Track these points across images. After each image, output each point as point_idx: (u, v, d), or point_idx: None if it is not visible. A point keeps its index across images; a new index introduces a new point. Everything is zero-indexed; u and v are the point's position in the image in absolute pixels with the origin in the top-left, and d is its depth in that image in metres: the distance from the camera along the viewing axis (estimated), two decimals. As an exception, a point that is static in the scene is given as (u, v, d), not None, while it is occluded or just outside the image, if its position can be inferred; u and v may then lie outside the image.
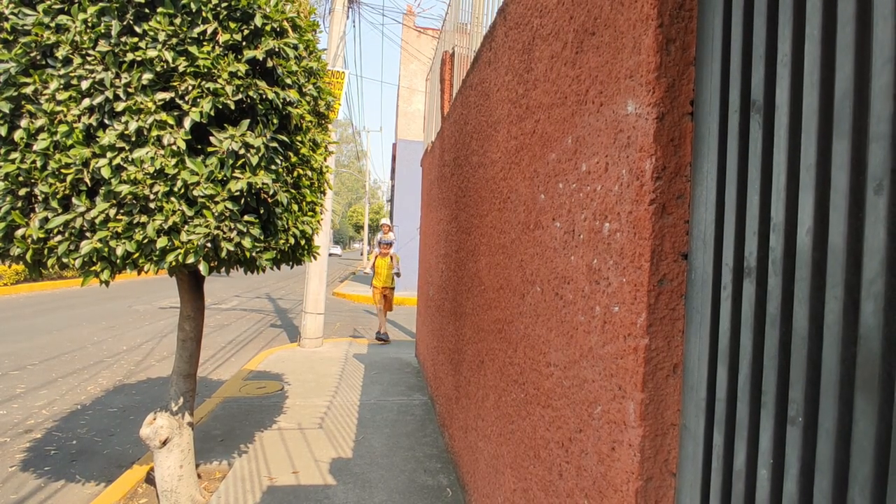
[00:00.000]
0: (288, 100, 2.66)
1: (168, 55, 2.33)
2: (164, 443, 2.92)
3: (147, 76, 2.33)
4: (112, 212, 2.35)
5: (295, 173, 2.99)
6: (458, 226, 3.75)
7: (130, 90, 2.34)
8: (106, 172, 2.29)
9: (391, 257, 8.76)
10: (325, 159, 3.51)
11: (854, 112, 0.72)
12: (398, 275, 8.82)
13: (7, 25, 2.28)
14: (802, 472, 0.77)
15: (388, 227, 8.97)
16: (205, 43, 2.40)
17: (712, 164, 1.02)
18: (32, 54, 2.31)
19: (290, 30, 2.62)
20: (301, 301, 10.89)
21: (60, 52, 2.30)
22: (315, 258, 3.63)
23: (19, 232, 2.38)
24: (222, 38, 2.39)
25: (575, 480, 1.40)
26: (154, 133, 2.34)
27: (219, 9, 2.38)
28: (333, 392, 5.37)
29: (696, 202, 1.07)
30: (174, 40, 2.35)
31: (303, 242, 3.26)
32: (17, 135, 2.32)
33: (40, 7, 2.28)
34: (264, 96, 2.54)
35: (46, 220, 2.36)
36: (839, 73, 0.74)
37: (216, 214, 2.42)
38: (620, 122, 1.22)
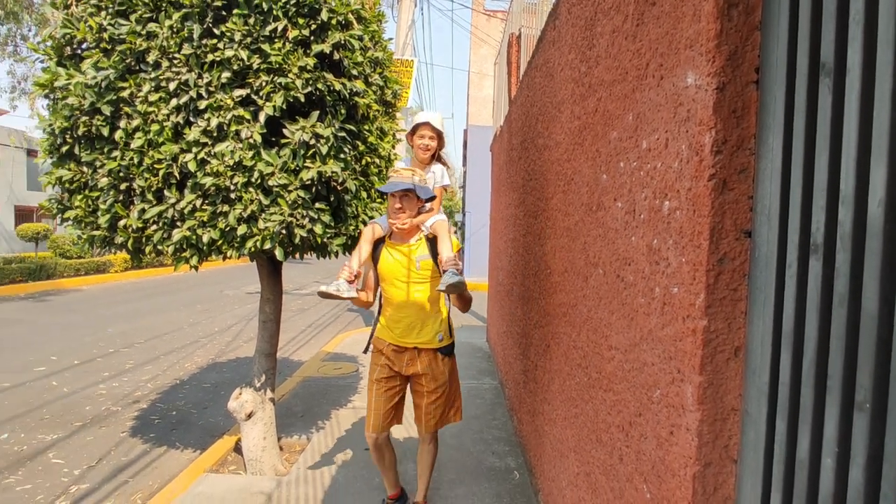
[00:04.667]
0: (354, 90, 2.75)
1: (243, 54, 2.47)
2: (249, 416, 3.15)
3: (226, 75, 2.50)
4: (198, 202, 2.55)
5: (363, 161, 3.08)
6: (525, 209, 3.72)
7: (211, 89, 2.51)
8: (192, 166, 2.48)
9: (428, 238, 2.47)
10: (392, 147, 3.58)
11: (931, 69, 0.65)
12: (456, 289, 2.15)
13: (106, 35, 2.52)
14: (869, 461, 0.72)
15: (432, 133, 2.65)
16: (276, 40, 2.52)
17: (778, 134, 0.96)
18: (128, 61, 2.53)
19: (354, 22, 2.69)
20: (376, 286, 11.22)
21: (151, 57, 2.50)
22: (385, 244, 3.73)
23: (122, 222, 2.63)
24: (292, 34, 2.50)
25: (634, 464, 1.38)
26: (233, 128, 2.51)
27: (288, 6, 2.49)
28: (406, 374, 5.52)
29: (760, 176, 1.01)
30: (248, 39, 2.49)
31: (372, 229, 3.37)
32: (117, 135, 2.56)
33: (132, 17, 2.49)
34: (332, 88, 2.63)
35: (143, 211, 2.59)
36: (915, 28, 0.67)
37: (290, 202, 2.56)
38: (680, 95, 1.17)
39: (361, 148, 2.99)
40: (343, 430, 3.90)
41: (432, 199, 2.48)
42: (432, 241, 2.46)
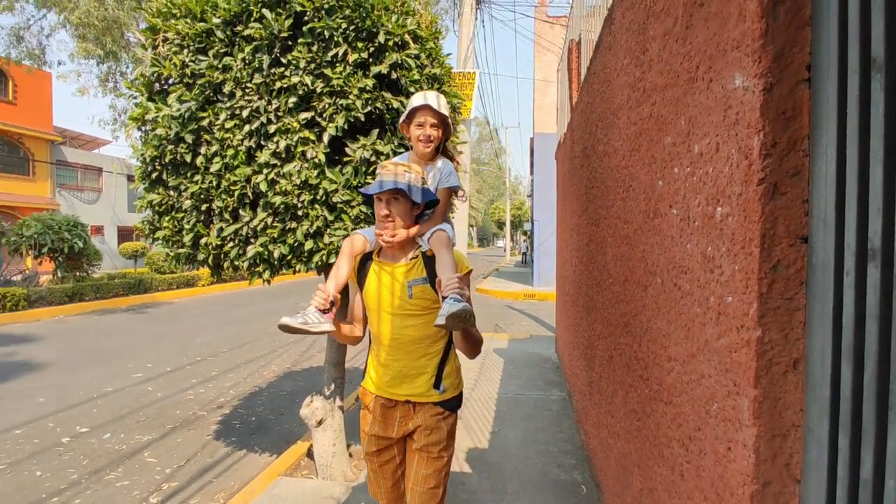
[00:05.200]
0: (412, 107, 2.83)
1: (308, 79, 2.62)
2: (320, 423, 3.29)
3: (292, 100, 2.66)
4: (269, 220, 2.72)
5: (423, 175, 3.16)
6: (588, 218, 3.65)
7: (280, 113, 2.68)
8: (263, 186, 2.65)
9: (428, 256, 1.82)
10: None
11: None
12: (458, 321, 1.48)
13: (188, 71, 2.76)
14: (935, 483, 0.67)
15: (434, 119, 1.96)
16: (337, 64, 2.65)
17: (831, 134, 0.91)
18: (206, 93, 2.75)
19: (411, 41, 2.78)
20: (444, 297, 11.30)
21: (226, 88, 2.71)
22: (447, 255, 3.79)
23: (203, 240, 2.85)
24: (352, 57, 2.63)
25: (695, 481, 1.32)
26: (299, 149, 2.66)
27: (348, 32, 2.62)
28: (472, 385, 5.54)
29: (815, 178, 0.96)
30: (312, 65, 2.64)
31: (434, 241, 3.43)
32: (199, 160, 2.78)
33: (210, 52, 2.71)
34: (390, 106, 2.73)
35: (221, 229, 2.80)
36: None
37: (353, 217, 2.67)
38: (729, 97, 1.13)
39: (421, 162, 3.06)
40: (410, 438, 3.98)
41: (434, 203, 1.89)
42: (432, 261, 1.80)
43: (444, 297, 1.56)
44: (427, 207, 1.87)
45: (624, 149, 2.32)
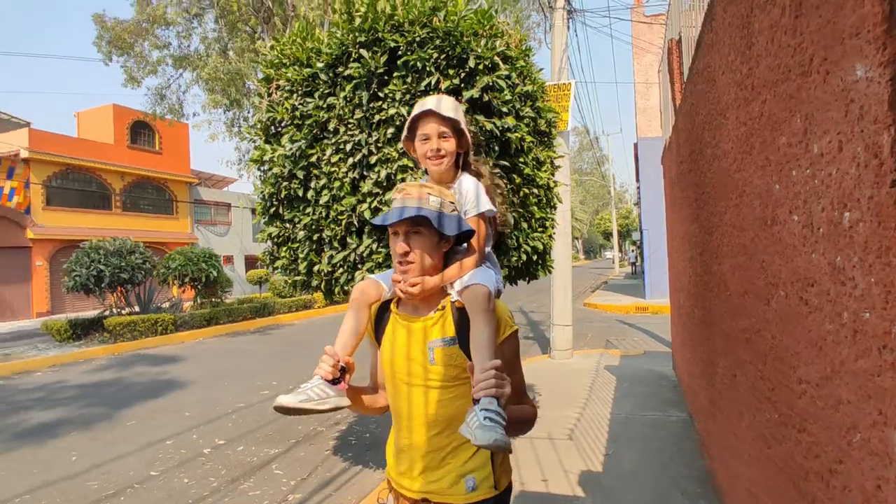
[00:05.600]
0: (505, 127, 2.85)
1: (404, 110, 2.75)
2: (429, 441, 3.35)
3: (390, 130, 2.79)
4: (374, 246, 2.86)
5: (521, 193, 3.16)
6: (700, 226, 3.42)
7: (380, 145, 2.83)
8: (367, 214, 2.80)
9: (458, 308, 1.34)
10: (551, 175, 3.60)
11: None
12: (496, 449, 1.05)
13: (297, 113, 3.01)
14: None
15: (442, 127, 1.45)
16: (431, 92, 2.75)
17: (983, 123, 0.78)
18: (314, 131, 2.98)
19: (500, 63, 2.81)
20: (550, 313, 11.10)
21: (331, 125, 2.92)
22: (549, 272, 3.74)
23: (316, 268, 3.06)
24: (444, 84, 2.72)
25: (838, 521, 1.17)
26: (399, 177, 2.78)
27: (439, 61, 2.71)
28: (583, 404, 5.36)
29: (966, 175, 0.83)
30: (407, 96, 2.76)
31: (535, 258, 3.40)
32: (309, 194, 3.01)
33: (316, 94, 2.94)
34: (484, 128, 2.77)
35: (331, 257, 2.99)
36: None
37: (451, 240, 2.73)
38: (850, 90, 1.02)
39: (518, 180, 3.07)
40: (519, 460, 3.92)
41: (468, 235, 1.37)
42: (463, 314, 1.32)
43: (474, 400, 1.13)
44: (458, 241, 1.38)
45: (734, 151, 2.16)
